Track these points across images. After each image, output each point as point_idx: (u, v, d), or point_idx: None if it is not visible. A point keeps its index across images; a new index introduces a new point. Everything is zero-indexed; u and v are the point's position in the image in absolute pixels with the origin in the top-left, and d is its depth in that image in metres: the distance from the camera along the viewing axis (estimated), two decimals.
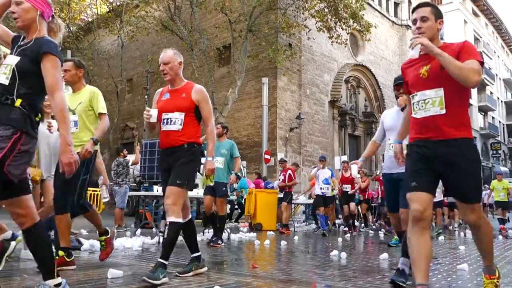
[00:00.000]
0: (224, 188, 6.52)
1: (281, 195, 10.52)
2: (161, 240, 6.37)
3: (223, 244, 6.41)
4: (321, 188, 9.76)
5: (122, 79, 21.22)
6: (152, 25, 18.17)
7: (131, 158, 9.59)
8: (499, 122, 45.25)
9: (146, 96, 19.94)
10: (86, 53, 20.38)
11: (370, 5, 25.42)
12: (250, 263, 4.57)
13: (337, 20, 17.81)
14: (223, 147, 6.66)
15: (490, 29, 44.99)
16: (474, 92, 39.43)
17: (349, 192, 10.39)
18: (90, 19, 22.58)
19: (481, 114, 41.05)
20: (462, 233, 10.98)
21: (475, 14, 41.40)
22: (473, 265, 5.21)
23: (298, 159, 20.36)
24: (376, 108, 26.31)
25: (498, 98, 45.50)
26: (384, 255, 5.39)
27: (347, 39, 19.97)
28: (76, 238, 5.63)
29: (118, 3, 20.59)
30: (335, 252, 5.64)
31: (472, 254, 6.47)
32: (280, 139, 19.83)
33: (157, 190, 6.63)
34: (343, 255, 5.41)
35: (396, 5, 29.67)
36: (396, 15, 29.49)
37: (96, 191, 15.21)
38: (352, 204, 10.42)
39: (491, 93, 43.08)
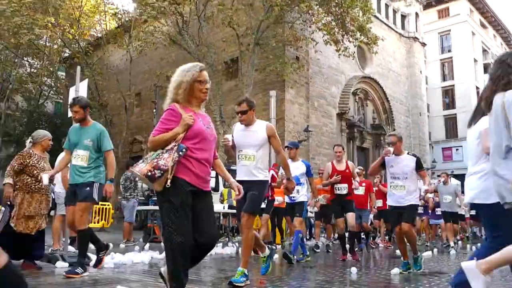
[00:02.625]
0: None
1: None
2: None
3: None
4: None
5: (131, 93, 21.38)
6: (160, 40, 18.35)
7: None
8: None
9: (154, 110, 20.04)
10: (96, 68, 20.59)
11: (377, 17, 25.48)
12: (258, 279, 4.52)
13: (344, 33, 17.85)
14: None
15: (498, 41, 44.82)
16: None
17: (344, 195, 6.73)
18: (99, 35, 22.88)
19: None
20: (474, 247, 10.80)
21: (483, 26, 41.31)
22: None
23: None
24: (385, 120, 26.20)
25: None
26: (395, 270, 5.31)
27: (354, 52, 19.99)
28: None
29: (127, 19, 20.84)
30: (354, 269, 5.56)
31: None
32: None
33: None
34: (354, 270, 5.34)
35: (403, 17, 29.72)
36: (403, 27, 29.52)
37: (105, 204, 15.24)
38: (351, 216, 6.74)
39: None
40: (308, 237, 11.35)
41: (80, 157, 4.43)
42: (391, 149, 5.34)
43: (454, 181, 21.37)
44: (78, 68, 5.72)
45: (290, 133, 19.95)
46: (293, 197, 6.60)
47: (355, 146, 24.20)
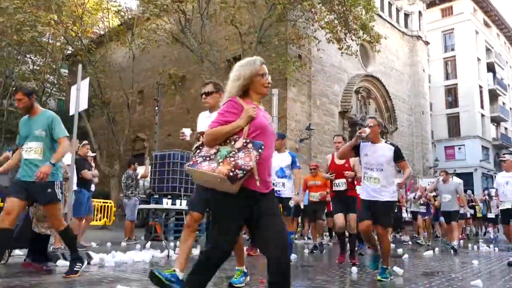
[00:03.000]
0: None
1: None
2: (171, 253, 6.35)
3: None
4: (274, 185, 5.98)
5: (133, 91, 21.38)
6: (163, 38, 18.35)
7: (141, 170, 9.62)
8: None
9: (156, 108, 20.06)
10: (98, 66, 20.60)
11: (380, 16, 25.40)
12: (258, 277, 4.52)
13: (347, 31, 17.81)
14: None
15: (502, 40, 44.65)
16: (486, 102, 39.09)
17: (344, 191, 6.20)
18: (102, 32, 22.89)
19: (493, 124, 40.57)
20: (475, 246, 10.80)
21: (487, 25, 41.15)
22: (487, 281, 5.10)
23: (308, 170, 20.22)
24: (387, 118, 26.13)
25: (510, 109, 44.95)
26: (397, 269, 5.30)
27: (357, 50, 19.95)
28: (86, 252, 5.64)
29: (129, 16, 20.83)
30: (354, 268, 5.56)
31: (487, 269, 6.34)
32: (290, 150, 19.73)
33: (167, 203, 6.62)
34: (354, 269, 5.34)
35: (406, 16, 29.62)
36: (406, 26, 29.43)
37: (107, 202, 15.29)
38: (352, 218, 6.09)
39: (503, 103, 42.61)
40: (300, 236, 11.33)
41: (33, 150, 4.04)
42: (368, 129, 4.70)
43: (456, 180, 21.31)
44: (80, 66, 5.72)
45: (292, 131, 19.94)
46: (279, 191, 5.92)
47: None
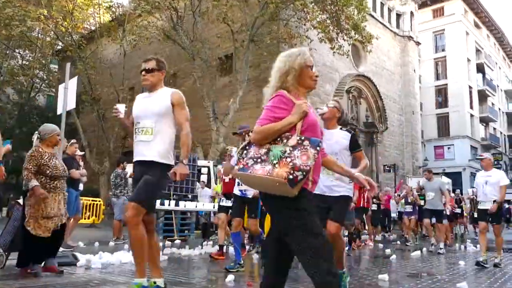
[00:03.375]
0: None
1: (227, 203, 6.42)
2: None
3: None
4: (239, 184, 5.48)
5: (124, 87, 21.23)
6: (154, 35, 18.24)
7: (130, 169, 9.55)
8: (501, 133, 45.20)
9: None
10: (89, 62, 20.42)
11: (372, 16, 25.49)
12: (244, 280, 4.52)
13: (339, 31, 17.84)
14: None
15: (492, 41, 45.08)
16: (475, 103, 39.47)
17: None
18: (93, 28, 22.68)
19: (482, 125, 41.00)
20: (462, 246, 10.89)
21: (477, 26, 41.50)
22: (473, 282, 5.15)
23: None
24: (378, 118, 26.28)
25: (499, 109, 45.49)
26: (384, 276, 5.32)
27: (348, 50, 19.99)
28: (72, 253, 5.59)
29: (121, 13, 20.66)
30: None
31: (473, 270, 6.40)
32: None
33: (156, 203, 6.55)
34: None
35: (398, 16, 29.76)
36: (398, 26, 29.57)
37: (96, 200, 15.19)
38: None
39: (492, 104, 43.08)
40: None
41: None
42: (326, 108, 4.18)
43: (445, 179, 21.48)
44: (68, 65, 5.66)
45: None
46: (244, 190, 5.35)
47: None
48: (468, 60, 38.65)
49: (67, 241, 6.72)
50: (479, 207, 7.26)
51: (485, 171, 7.13)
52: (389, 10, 28.92)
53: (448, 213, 10.49)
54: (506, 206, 17.18)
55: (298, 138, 2.23)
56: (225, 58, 20.70)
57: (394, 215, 15.20)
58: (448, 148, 37.31)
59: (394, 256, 7.61)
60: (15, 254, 4.56)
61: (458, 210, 14.57)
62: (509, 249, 9.91)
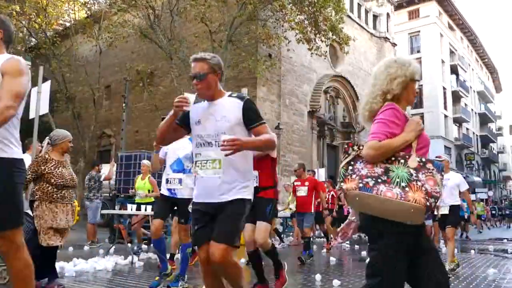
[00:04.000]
0: None
1: None
2: (134, 260, 6.26)
3: None
4: (168, 181, 4.67)
5: (100, 86, 20.87)
6: (131, 33, 17.99)
7: (106, 170, 9.42)
8: (473, 133, 46.37)
9: (124, 104, 19.64)
10: (63, 59, 19.98)
11: (350, 17, 25.77)
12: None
13: (316, 32, 17.97)
14: None
15: (465, 43, 46.18)
16: (449, 104, 40.38)
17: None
18: (67, 24, 22.19)
19: (455, 125, 41.98)
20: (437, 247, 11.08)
21: (451, 28, 42.44)
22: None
23: (277, 169, 20.36)
24: (355, 118, 26.57)
25: (472, 110, 46.66)
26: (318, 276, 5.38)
27: (326, 51, 20.16)
28: None
29: (96, 9, 20.28)
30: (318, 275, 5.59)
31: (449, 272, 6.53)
32: None
33: (131, 208, 6.47)
34: (318, 277, 5.39)
35: (375, 17, 30.17)
36: (374, 27, 29.98)
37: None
38: (259, 227, 4.36)
39: (465, 104, 44.14)
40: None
41: None
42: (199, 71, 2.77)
43: None
44: (41, 68, 5.51)
45: None
46: (173, 189, 4.57)
47: (325, 144, 24.50)
48: (443, 61, 39.50)
49: None
50: (440, 212, 6.62)
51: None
52: (366, 11, 29.28)
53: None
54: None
55: (418, 159, 2.03)
56: None
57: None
58: None
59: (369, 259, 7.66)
60: None
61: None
62: (482, 250, 10.15)
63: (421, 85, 39.07)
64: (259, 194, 3.98)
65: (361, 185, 1.99)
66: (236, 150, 2.40)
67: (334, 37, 18.51)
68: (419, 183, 1.95)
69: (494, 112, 54.33)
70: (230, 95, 2.84)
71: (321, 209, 8.44)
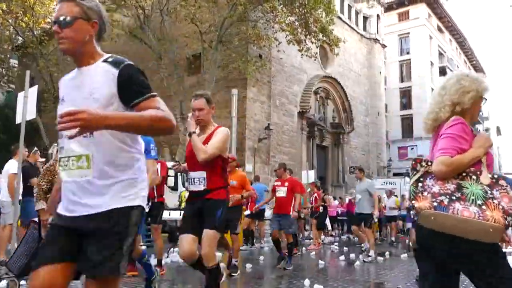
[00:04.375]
0: None
1: None
2: None
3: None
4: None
5: None
6: (120, 33, 17.84)
7: None
8: None
9: None
10: (51, 59, 19.73)
11: (340, 18, 25.87)
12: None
13: (307, 33, 18.01)
14: None
15: (454, 45, 46.63)
16: None
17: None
18: None
19: None
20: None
21: (440, 30, 42.83)
22: None
23: (267, 169, 20.40)
24: (344, 119, 26.73)
25: None
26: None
27: (316, 53, 20.23)
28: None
29: None
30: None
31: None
32: (248, 150, 19.83)
33: None
34: (307, 282, 5.39)
35: (365, 19, 30.34)
36: (365, 29, 30.14)
37: None
38: (209, 233, 3.59)
39: None
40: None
41: None
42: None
43: (369, 180, 21.46)
44: (28, 73, 5.42)
45: (251, 131, 19.99)
46: None
47: (314, 145, 24.58)
48: (431, 63, 39.85)
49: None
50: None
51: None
52: (356, 13, 29.44)
53: (375, 219, 8.88)
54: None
55: (490, 176, 1.97)
56: (193, 58, 20.50)
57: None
58: (412, 148, 38.33)
59: (358, 263, 7.72)
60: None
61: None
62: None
63: (410, 86, 39.46)
64: (207, 196, 3.48)
65: (435, 204, 1.93)
66: (83, 129, 1.52)
67: (324, 38, 18.59)
68: (495, 201, 1.90)
69: (481, 113, 54.94)
70: (105, 60, 1.90)
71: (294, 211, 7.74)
